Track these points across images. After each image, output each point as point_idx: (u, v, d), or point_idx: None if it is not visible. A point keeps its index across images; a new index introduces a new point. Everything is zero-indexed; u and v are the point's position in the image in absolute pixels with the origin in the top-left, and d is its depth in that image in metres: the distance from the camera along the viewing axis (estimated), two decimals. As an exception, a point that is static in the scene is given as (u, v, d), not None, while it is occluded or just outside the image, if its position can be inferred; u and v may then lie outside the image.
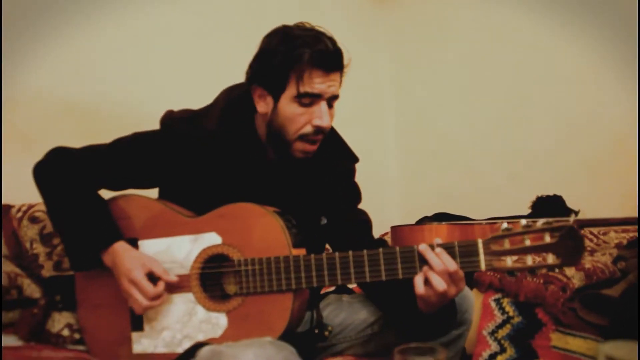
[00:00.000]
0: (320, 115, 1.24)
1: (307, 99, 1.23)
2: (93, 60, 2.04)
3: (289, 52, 1.21)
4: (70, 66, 1.98)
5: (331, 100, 1.28)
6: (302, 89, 1.21)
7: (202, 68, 2.30)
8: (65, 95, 1.97)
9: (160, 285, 1.23)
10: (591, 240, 2.07)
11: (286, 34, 1.25)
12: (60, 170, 1.33)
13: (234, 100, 1.35)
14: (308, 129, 1.26)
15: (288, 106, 1.24)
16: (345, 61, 1.28)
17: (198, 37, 2.35)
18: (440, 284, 1.10)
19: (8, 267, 1.49)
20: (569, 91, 2.52)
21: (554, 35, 2.53)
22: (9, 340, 1.39)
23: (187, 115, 1.35)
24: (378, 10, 3.17)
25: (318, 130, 1.26)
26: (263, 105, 1.29)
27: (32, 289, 1.47)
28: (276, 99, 1.26)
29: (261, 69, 1.27)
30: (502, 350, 1.69)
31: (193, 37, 2.33)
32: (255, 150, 1.34)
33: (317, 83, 1.22)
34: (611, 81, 2.37)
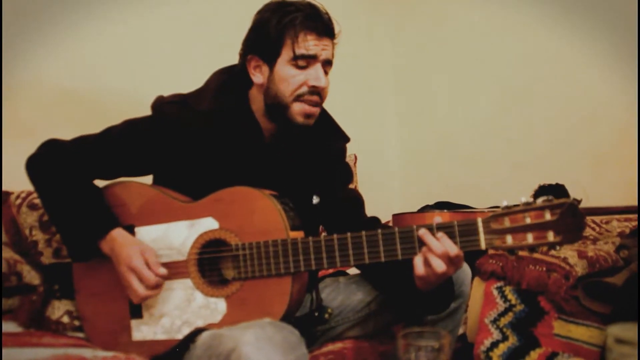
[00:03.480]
0: (316, 76, 1.27)
1: (303, 61, 1.26)
2: (92, 49, 2.03)
3: (282, 18, 1.25)
4: (70, 55, 1.97)
5: (326, 66, 1.30)
6: (298, 51, 1.25)
7: (198, 56, 2.29)
8: (65, 84, 1.96)
9: (160, 273, 1.22)
10: (594, 229, 2.06)
11: (278, 5, 1.29)
12: (53, 163, 1.32)
13: (226, 81, 1.36)
14: (304, 89, 1.28)
15: (284, 69, 1.27)
16: (336, 30, 1.31)
17: (195, 26, 2.33)
18: (440, 265, 1.10)
19: (7, 253, 1.48)
20: (571, 82, 2.50)
21: (556, 25, 2.51)
22: (9, 327, 1.38)
23: (178, 99, 1.34)
24: (379, 3, 3.15)
25: (314, 90, 1.28)
26: (259, 76, 1.31)
27: (31, 276, 1.46)
28: (272, 66, 1.28)
29: (256, 39, 1.30)
30: (504, 338, 1.68)
31: (190, 26, 2.32)
32: (249, 129, 1.34)
33: (311, 45, 1.26)
34: (613, 71, 2.36)
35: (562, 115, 2.53)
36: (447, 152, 2.94)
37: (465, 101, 2.89)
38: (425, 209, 2.34)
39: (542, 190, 2.21)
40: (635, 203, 2.08)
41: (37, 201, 1.59)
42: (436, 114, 3.02)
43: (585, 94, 2.46)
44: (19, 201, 1.59)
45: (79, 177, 1.32)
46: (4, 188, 1.65)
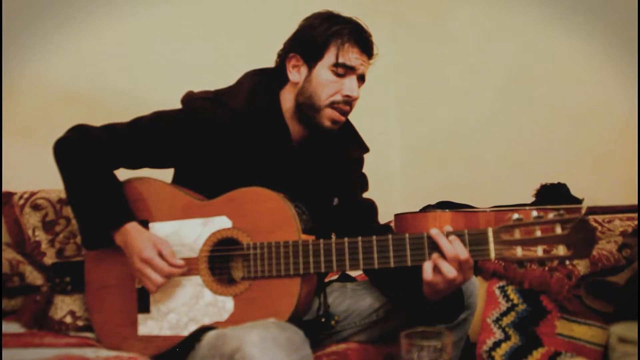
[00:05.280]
0: (350, 87, 1.34)
1: (342, 70, 1.33)
2: (93, 48, 2.03)
3: (331, 26, 1.33)
4: (70, 55, 1.97)
5: (359, 81, 1.37)
6: (341, 59, 1.32)
7: (198, 57, 2.30)
8: (65, 84, 1.95)
9: (177, 263, 1.23)
10: (596, 228, 2.06)
11: (328, 15, 1.37)
12: (80, 148, 1.34)
13: (259, 83, 1.39)
14: (338, 97, 1.33)
15: (323, 73, 1.33)
16: (374, 51, 1.39)
17: (195, 26, 2.33)
18: (450, 271, 1.10)
19: (10, 254, 1.49)
20: (571, 81, 2.51)
21: (557, 24, 2.51)
22: (12, 328, 1.39)
23: (210, 95, 1.37)
24: (380, 2, 3.15)
25: (347, 100, 1.34)
26: (296, 75, 1.37)
27: (34, 276, 1.47)
28: (311, 67, 1.34)
29: (301, 39, 1.36)
30: (507, 337, 1.68)
31: (191, 26, 2.32)
32: (278, 130, 1.37)
33: (353, 58, 1.33)
34: (613, 70, 2.36)
35: (563, 114, 2.53)
36: (448, 151, 2.94)
37: (466, 101, 2.89)
38: (427, 208, 2.34)
39: (544, 190, 2.21)
40: (636, 202, 2.08)
41: (40, 202, 1.60)
42: (437, 113, 3.01)
43: (585, 92, 2.46)
44: (21, 202, 1.59)
45: (103, 165, 1.34)
46: (6, 188, 1.65)
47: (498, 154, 2.75)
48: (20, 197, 1.60)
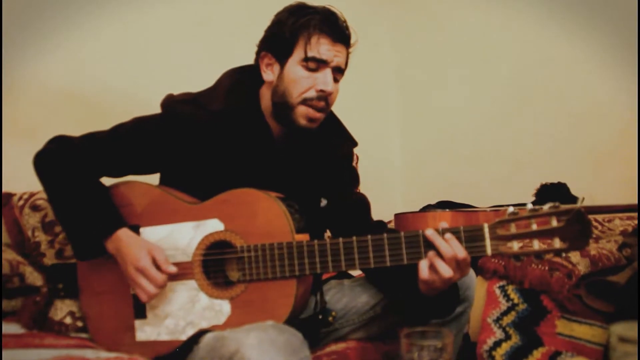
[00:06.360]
0: (324, 81, 1.27)
1: (313, 64, 1.26)
2: (93, 49, 2.03)
3: (299, 19, 1.26)
4: (70, 55, 1.97)
5: (336, 73, 1.30)
6: (310, 53, 1.25)
7: (198, 56, 2.30)
8: (66, 84, 1.95)
9: (170, 270, 1.22)
10: (596, 227, 2.05)
11: (298, 6, 1.31)
12: (61, 159, 1.31)
13: (238, 81, 1.36)
14: (312, 93, 1.27)
15: (294, 69, 1.27)
16: (352, 39, 1.31)
17: (194, 27, 2.33)
18: (446, 271, 1.09)
19: (10, 255, 1.48)
20: (571, 81, 2.51)
21: (557, 25, 2.51)
22: (12, 328, 1.38)
23: (189, 98, 1.34)
24: (381, 3, 3.15)
25: (321, 95, 1.28)
26: (270, 74, 1.32)
27: (34, 277, 1.46)
28: (283, 65, 1.29)
29: (271, 36, 1.31)
30: (507, 337, 1.68)
31: (190, 27, 2.32)
32: (260, 130, 1.34)
33: (324, 49, 1.26)
34: (613, 70, 2.36)
35: (563, 114, 2.53)
36: (448, 151, 2.94)
37: (466, 101, 2.89)
38: (427, 208, 2.34)
39: (544, 189, 2.21)
40: (636, 202, 2.08)
41: (40, 202, 1.59)
42: (437, 113, 3.01)
43: (586, 92, 2.46)
44: (21, 202, 1.59)
45: (87, 174, 1.31)
46: (5, 189, 1.65)
47: (498, 154, 2.75)
48: (20, 198, 1.60)
